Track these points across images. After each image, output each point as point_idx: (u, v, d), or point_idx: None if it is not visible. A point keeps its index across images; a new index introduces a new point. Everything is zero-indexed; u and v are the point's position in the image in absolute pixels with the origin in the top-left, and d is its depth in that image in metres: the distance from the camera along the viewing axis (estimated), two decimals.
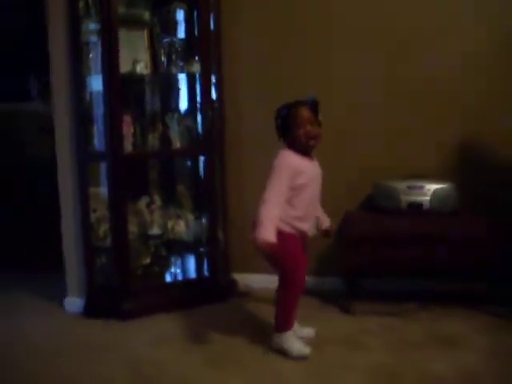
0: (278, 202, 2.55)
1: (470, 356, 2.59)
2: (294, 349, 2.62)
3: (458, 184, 3.18)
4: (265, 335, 2.81)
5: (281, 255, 2.60)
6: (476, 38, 3.28)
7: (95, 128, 3.31)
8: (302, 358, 2.60)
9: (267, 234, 2.47)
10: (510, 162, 3.25)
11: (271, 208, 2.53)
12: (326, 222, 2.85)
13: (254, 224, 2.54)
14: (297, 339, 2.67)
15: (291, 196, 2.60)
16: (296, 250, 2.65)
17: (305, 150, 2.65)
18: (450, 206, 3.17)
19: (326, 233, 2.86)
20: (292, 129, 2.62)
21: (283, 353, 2.64)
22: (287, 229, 2.62)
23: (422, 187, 3.18)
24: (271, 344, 2.70)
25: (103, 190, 3.37)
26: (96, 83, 3.25)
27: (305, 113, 2.61)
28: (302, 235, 2.69)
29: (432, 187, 3.17)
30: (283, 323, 2.67)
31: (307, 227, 2.70)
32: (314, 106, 2.64)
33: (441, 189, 3.16)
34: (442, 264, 3.09)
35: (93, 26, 3.24)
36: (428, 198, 3.16)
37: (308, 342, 2.72)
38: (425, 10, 3.33)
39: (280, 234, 2.56)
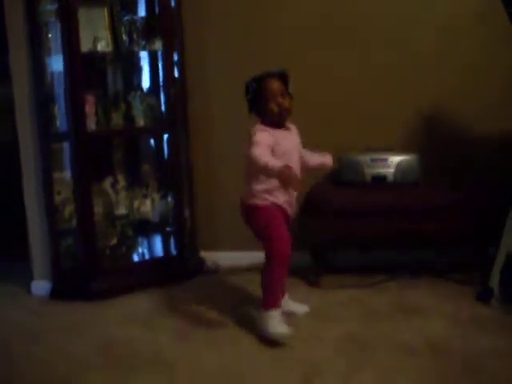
0: (268, 148, 2.47)
1: (435, 323, 2.64)
2: (273, 329, 2.51)
3: (420, 156, 3.22)
4: (233, 311, 2.85)
5: (258, 228, 2.61)
6: (450, 11, 3.32)
7: (57, 109, 3.26)
8: (279, 338, 2.51)
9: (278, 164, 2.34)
10: (473, 134, 3.31)
11: (264, 154, 2.42)
12: (323, 158, 2.80)
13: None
14: (279, 319, 2.55)
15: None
16: (273, 221, 2.58)
17: (278, 123, 2.60)
18: (414, 178, 3.21)
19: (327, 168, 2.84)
20: (263, 102, 2.57)
21: (265, 330, 2.54)
22: (260, 201, 2.59)
23: (385, 160, 3.21)
24: (257, 322, 2.62)
25: (67, 172, 3.34)
26: (56, 63, 3.21)
27: (275, 85, 2.57)
28: (281, 208, 2.62)
29: (395, 159, 3.20)
30: (266, 300, 2.58)
31: (282, 200, 2.61)
32: (283, 78, 2.60)
33: (404, 161, 3.20)
34: (404, 235, 3.12)
35: (51, 6, 3.18)
36: (392, 170, 3.20)
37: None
38: None
39: (254, 207, 2.59)
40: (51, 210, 3.30)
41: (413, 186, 3.20)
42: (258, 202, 2.60)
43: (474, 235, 3.12)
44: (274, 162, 2.36)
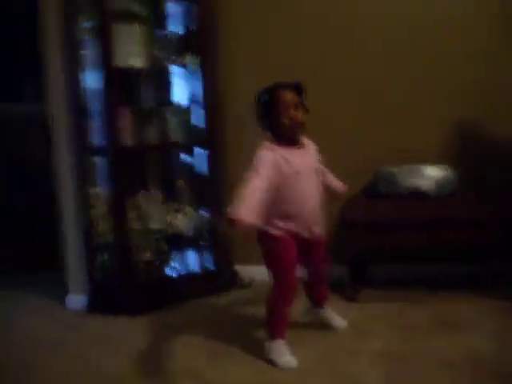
0: (258, 188, 2.27)
1: (475, 339, 2.58)
2: (280, 360, 2.44)
3: (457, 168, 3.19)
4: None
5: (265, 256, 2.51)
6: (482, 33, 3.28)
7: (92, 124, 3.28)
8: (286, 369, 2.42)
9: (242, 213, 2.17)
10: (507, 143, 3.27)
11: (251, 187, 2.26)
12: (339, 186, 2.74)
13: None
14: (286, 351, 2.46)
15: (276, 191, 2.36)
16: (284, 254, 2.45)
17: (290, 138, 2.43)
18: (450, 190, 3.17)
19: (337, 196, 2.77)
20: (274, 115, 2.40)
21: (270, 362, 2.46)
22: (271, 228, 2.44)
23: (422, 172, 3.18)
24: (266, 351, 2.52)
25: (101, 187, 3.35)
26: (90, 79, 3.23)
27: (288, 96, 2.39)
28: (294, 235, 2.48)
29: (432, 171, 3.17)
30: (270, 329, 2.51)
31: (297, 225, 2.46)
32: (298, 89, 2.42)
33: (441, 173, 3.17)
34: (444, 248, 3.09)
35: (86, 23, 3.20)
36: (428, 182, 3.16)
37: (314, 328, 2.76)
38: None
39: (264, 234, 2.46)
40: (87, 225, 3.32)
41: (449, 198, 3.16)
42: (271, 230, 2.45)
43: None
44: (241, 211, 2.16)
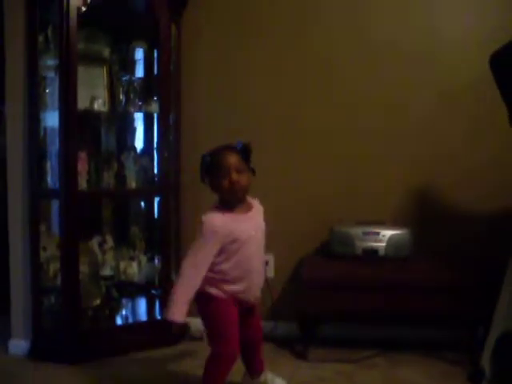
0: (198, 276, 2.33)
1: None
2: None
3: (412, 231, 3.21)
4: None
5: (205, 318, 2.46)
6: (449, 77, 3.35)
7: (48, 164, 3.23)
8: None
9: (172, 314, 2.32)
10: (464, 208, 3.31)
11: (185, 284, 2.33)
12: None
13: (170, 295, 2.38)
14: None
15: (220, 258, 2.36)
16: (222, 316, 2.41)
17: (233, 203, 2.39)
18: (405, 252, 3.18)
19: None
20: (216, 178, 2.37)
21: None
22: (215, 291, 2.39)
23: (377, 233, 3.19)
24: None
25: (54, 229, 3.29)
26: (51, 119, 3.20)
27: (230, 160, 2.34)
28: (238, 299, 2.44)
29: (387, 233, 3.18)
30: None
31: (244, 287, 2.42)
32: (244, 152, 2.38)
33: (396, 235, 3.18)
34: (396, 311, 3.08)
35: (51, 61, 3.18)
36: (383, 244, 3.17)
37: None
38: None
39: (206, 295, 2.40)
40: (36, 267, 3.23)
41: (403, 261, 3.17)
42: (213, 291, 2.39)
43: (462, 315, 3.06)
44: (178, 313, 2.32)
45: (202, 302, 2.43)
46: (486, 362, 2.76)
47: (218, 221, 2.34)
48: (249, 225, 2.42)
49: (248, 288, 2.44)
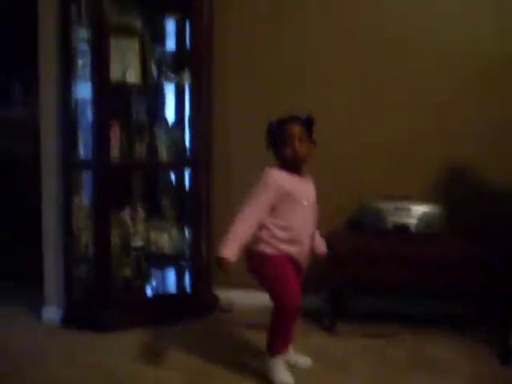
0: (253, 219, 2.42)
1: (454, 382, 2.56)
2: (278, 377, 2.48)
3: (445, 206, 3.18)
4: (242, 354, 2.81)
5: (265, 278, 2.51)
6: (468, 62, 3.31)
7: (80, 136, 3.26)
8: None
9: (225, 250, 2.34)
10: (495, 185, 3.27)
11: (241, 224, 2.40)
12: (322, 248, 2.77)
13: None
14: (283, 368, 2.52)
15: (276, 216, 2.46)
16: (283, 273, 2.48)
17: (291, 169, 2.52)
18: (437, 229, 3.16)
19: (318, 257, 2.77)
20: (280, 145, 2.50)
21: (270, 377, 2.50)
22: (271, 250, 2.47)
23: (408, 209, 3.17)
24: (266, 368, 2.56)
25: (86, 200, 3.33)
26: (83, 90, 3.21)
27: (294, 129, 2.48)
28: (292, 259, 2.52)
29: (419, 209, 3.16)
30: (271, 346, 2.53)
31: (296, 251, 2.51)
32: (307, 123, 2.52)
33: (428, 211, 3.15)
34: (425, 286, 3.07)
35: (83, 32, 3.18)
36: (415, 220, 3.15)
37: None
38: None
39: (263, 255, 2.47)
40: (68, 237, 3.28)
41: (435, 236, 3.14)
42: (268, 250, 2.48)
43: (492, 291, 3.04)
44: (226, 251, 2.34)
45: (260, 263, 2.50)
46: None
47: (279, 174, 2.48)
48: (305, 188, 2.56)
49: (300, 251, 2.54)
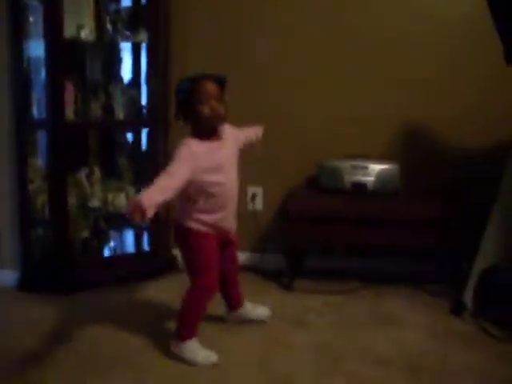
0: (171, 181, 2.21)
1: (409, 335, 2.63)
2: (199, 357, 2.38)
3: (401, 165, 3.21)
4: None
5: (186, 252, 2.46)
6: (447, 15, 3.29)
7: (34, 95, 3.18)
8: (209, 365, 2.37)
9: (144, 197, 2.09)
10: (455, 145, 3.31)
11: (158, 184, 2.18)
12: (255, 132, 2.69)
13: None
14: (200, 347, 2.42)
15: (198, 185, 2.32)
16: (205, 250, 2.41)
17: (209, 132, 2.36)
18: (394, 188, 3.19)
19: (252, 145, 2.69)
20: (195, 105, 2.31)
21: (186, 362, 2.39)
22: (193, 224, 2.38)
23: (366, 167, 3.19)
24: (171, 349, 2.45)
25: (41, 161, 3.27)
26: (35, 48, 3.13)
27: (210, 87, 2.31)
28: (218, 230, 2.44)
29: (376, 167, 3.19)
30: (184, 330, 2.43)
31: (220, 216, 2.41)
32: (220, 82, 2.35)
33: (385, 169, 3.18)
34: (382, 244, 3.13)
35: None
36: (372, 178, 3.18)
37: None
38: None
39: (187, 229, 2.39)
40: (23, 199, 3.22)
41: (392, 195, 3.18)
42: (191, 224, 2.38)
43: (448, 249, 3.10)
44: (150, 190, 2.13)
45: (182, 236, 2.43)
46: (468, 295, 2.83)
47: (195, 146, 2.31)
48: (223, 153, 2.40)
49: (225, 217, 2.44)
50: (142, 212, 2.06)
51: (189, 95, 2.33)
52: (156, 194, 2.14)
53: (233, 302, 2.73)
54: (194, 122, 2.36)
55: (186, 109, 2.35)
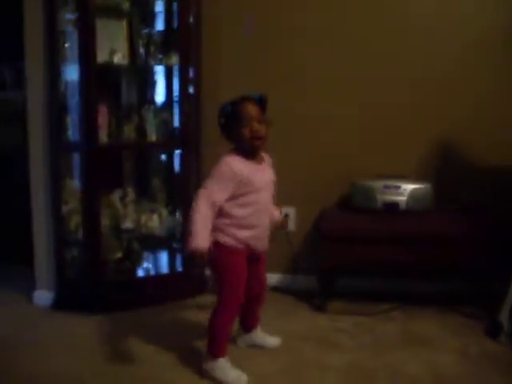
0: (212, 206, 2.30)
1: (442, 357, 2.59)
2: (229, 377, 2.38)
3: (434, 184, 3.19)
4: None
5: (216, 267, 2.46)
6: (472, 37, 3.28)
7: (69, 118, 3.24)
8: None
9: (199, 241, 2.24)
10: (487, 163, 3.28)
11: (202, 212, 2.28)
12: (276, 214, 2.65)
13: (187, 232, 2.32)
14: (230, 367, 2.42)
15: (233, 205, 2.35)
16: (235, 264, 2.42)
17: (250, 152, 2.40)
18: (426, 206, 3.17)
19: (280, 225, 2.71)
20: (236, 128, 2.35)
21: (216, 381, 2.40)
22: (226, 239, 2.39)
23: (398, 187, 3.17)
24: (202, 367, 2.46)
25: (75, 183, 3.32)
26: (71, 73, 3.18)
27: (251, 109, 2.35)
28: (248, 247, 2.44)
29: (408, 187, 3.17)
30: (213, 347, 2.43)
31: (252, 235, 2.42)
32: (261, 103, 2.39)
33: (417, 189, 3.17)
34: (415, 264, 3.08)
35: (70, 14, 3.15)
36: (404, 197, 3.16)
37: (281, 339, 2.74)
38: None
39: (216, 243, 2.37)
40: (58, 220, 3.27)
41: (424, 214, 3.16)
42: (220, 238, 2.38)
43: (483, 268, 3.06)
44: (201, 241, 2.24)
45: (214, 251, 2.40)
46: (504, 316, 2.77)
47: (237, 163, 2.35)
48: (263, 175, 2.44)
49: (258, 236, 2.45)
50: (202, 255, 2.25)
51: (231, 118, 2.38)
52: (206, 231, 2.28)
53: (248, 322, 2.71)
54: (235, 142, 2.41)
55: (230, 132, 2.40)
